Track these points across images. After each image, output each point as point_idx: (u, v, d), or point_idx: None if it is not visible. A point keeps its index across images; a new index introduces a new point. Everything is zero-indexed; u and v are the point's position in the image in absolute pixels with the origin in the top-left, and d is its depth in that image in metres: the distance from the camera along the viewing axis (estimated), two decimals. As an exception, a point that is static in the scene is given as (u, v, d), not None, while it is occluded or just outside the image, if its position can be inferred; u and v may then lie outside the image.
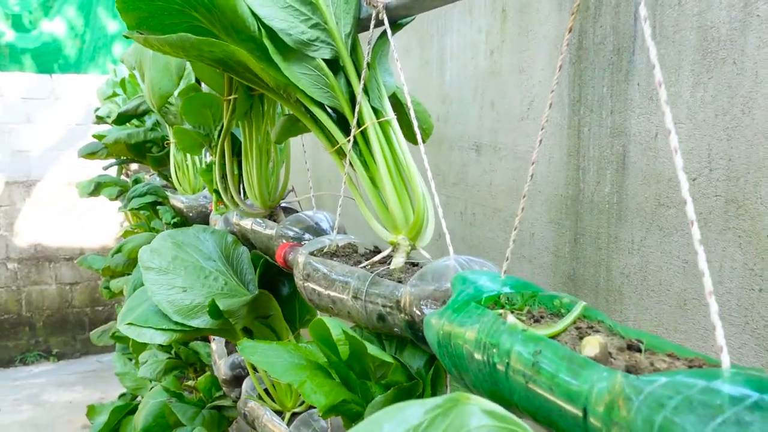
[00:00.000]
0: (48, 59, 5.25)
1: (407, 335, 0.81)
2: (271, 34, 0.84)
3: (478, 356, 0.55)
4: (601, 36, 1.23)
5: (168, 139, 1.92)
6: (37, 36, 5.24)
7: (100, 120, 2.88)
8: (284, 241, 1.06)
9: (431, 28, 1.82)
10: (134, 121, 2.96)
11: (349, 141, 0.92)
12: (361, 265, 0.91)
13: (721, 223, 1.01)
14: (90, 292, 5.45)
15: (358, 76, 0.86)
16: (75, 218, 5.40)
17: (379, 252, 0.97)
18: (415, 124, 0.84)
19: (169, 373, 1.72)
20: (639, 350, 0.53)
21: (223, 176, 1.46)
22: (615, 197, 1.21)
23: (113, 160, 2.64)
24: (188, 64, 1.29)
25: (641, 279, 1.17)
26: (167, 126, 1.86)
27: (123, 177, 3.62)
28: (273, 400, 1.23)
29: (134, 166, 3.18)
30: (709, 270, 0.54)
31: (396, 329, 0.82)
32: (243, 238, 1.29)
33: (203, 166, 1.89)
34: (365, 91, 0.88)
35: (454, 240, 1.76)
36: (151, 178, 2.47)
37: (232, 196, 1.28)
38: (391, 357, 0.79)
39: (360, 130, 0.88)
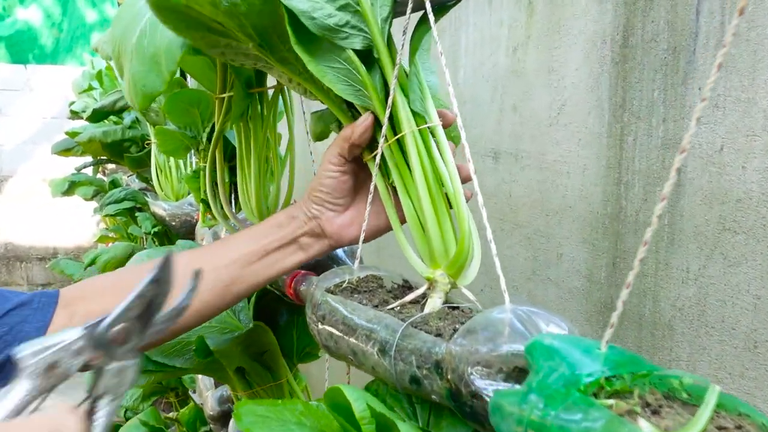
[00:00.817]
0: (23, 48, 5.00)
1: (448, 405, 0.64)
2: (294, 20, 0.67)
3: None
4: (652, 32, 1.07)
5: (149, 139, 1.74)
6: (11, 24, 4.99)
7: (74, 115, 2.67)
8: (289, 268, 0.89)
9: (443, 21, 1.65)
10: (112, 118, 2.76)
11: (376, 153, 0.75)
12: (390, 306, 0.74)
13: (807, 254, 0.86)
14: (64, 293, 5.21)
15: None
16: (49, 216, 5.16)
17: (410, 287, 0.80)
18: (463, 135, 0.67)
19: (147, 399, 1.54)
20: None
21: (214, 184, 1.28)
22: (666, 218, 1.06)
23: (90, 159, 2.44)
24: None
25: (698, 314, 1.01)
26: (148, 125, 1.67)
27: (99, 175, 3.41)
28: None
29: (111, 166, 2.99)
30: None
31: (434, 396, 0.66)
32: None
33: (188, 170, 1.71)
34: (403, 90, 0.71)
35: (466, 255, 1.60)
36: (129, 179, 2.28)
37: (222, 208, 1.11)
38: (429, 433, 0.63)
39: (396, 138, 0.72)
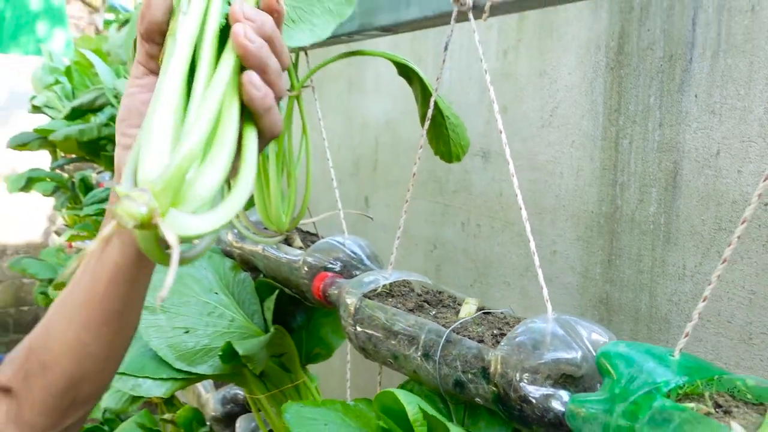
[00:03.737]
0: (-37, 37, 4.79)
1: (493, 408, 0.67)
2: None
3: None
4: (648, 41, 1.12)
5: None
6: (-49, 12, 4.76)
7: (36, 110, 2.59)
8: (314, 271, 0.90)
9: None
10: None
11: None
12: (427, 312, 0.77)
13: (801, 253, 0.93)
14: (14, 291, 5.04)
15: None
16: (-4, 212, 4.97)
17: (439, 292, 0.83)
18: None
19: (136, 401, 1.52)
20: None
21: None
22: (662, 218, 1.11)
23: (62, 159, 2.37)
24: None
25: (693, 308, 1.07)
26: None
27: (57, 171, 3.31)
28: (280, 446, 1.08)
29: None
30: None
31: (478, 399, 0.69)
32: (244, 262, 1.12)
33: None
34: None
35: (454, 252, 1.64)
36: (99, 176, 2.23)
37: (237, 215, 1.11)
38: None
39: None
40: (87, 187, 2.26)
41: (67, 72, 2.02)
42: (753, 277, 0.99)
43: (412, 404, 0.66)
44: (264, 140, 0.56)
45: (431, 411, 0.67)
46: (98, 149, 1.87)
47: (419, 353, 0.74)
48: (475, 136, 1.54)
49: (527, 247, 1.41)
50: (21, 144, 3.13)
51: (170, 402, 1.76)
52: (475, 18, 0.81)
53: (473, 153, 1.55)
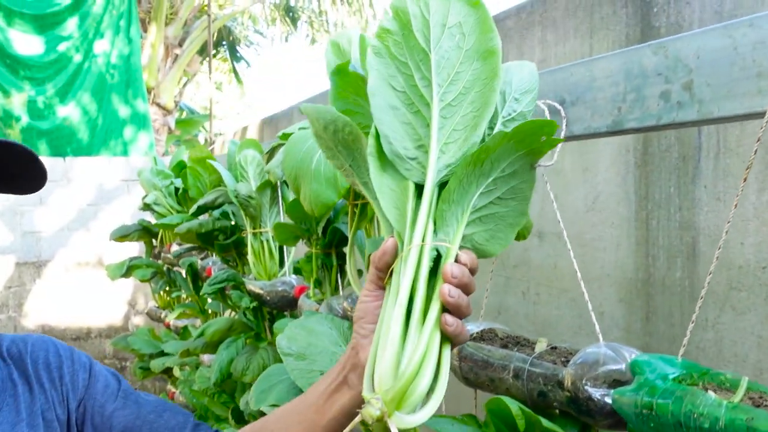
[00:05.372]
0: (62, 143, 5.42)
1: (567, 410, 0.97)
2: (377, 143, 0.86)
3: (685, 423, 0.72)
4: (666, 145, 1.45)
5: (244, 230, 2.09)
6: (52, 120, 5.42)
7: (146, 207, 3.04)
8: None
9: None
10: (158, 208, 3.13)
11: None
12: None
13: (792, 304, 1.22)
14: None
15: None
16: (81, 298, 5.45)
17: (516, 337, 1.15)
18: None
19: None
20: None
21: (324, 266, 1.64)
22: (687, 281, 1.41)
23: (185, 246, 2.79)
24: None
25: (716, 352, 1.36)
26: (244, 217, 2.03)
27: (151, 259, 3.75)
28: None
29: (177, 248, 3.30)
30: None
31: (555, 404, 0.99)
32: (357, 323, 1.46)
33: (272, 256, 2.06)
34: (435, 222, 0.85)
35: (517, 317, 1.94)
36: (203, 262, 2.62)
37: (336, 284, 1.46)
38: (560, 429, 0.96)
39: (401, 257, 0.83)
40: (194, 270, 2.65)
41: (183, 175, 2.45)
42: (760, 325, 1.27)
43: (513, 405, 0.96)
44: (454, 347, 0.83)
45: (527, 409, 0.97)
46: (212, 239, 2.26)
47: (510, 375, 1.05)
48: (532, 219, 1.88)
49: (580, 310, 1.71)
50: (122, 236, 3.59)
51: None
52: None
53: (531, 234, 1.88)
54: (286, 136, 1.42)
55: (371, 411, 0.74)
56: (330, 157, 1.00)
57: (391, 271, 0.85)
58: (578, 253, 1.71)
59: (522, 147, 0.84)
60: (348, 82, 0.90)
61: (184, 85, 9.59)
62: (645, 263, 1.51)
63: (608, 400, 0.90)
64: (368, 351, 0.84)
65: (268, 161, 1.53)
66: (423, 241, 0.83)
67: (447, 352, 0.82)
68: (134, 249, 5.13)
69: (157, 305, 3.81)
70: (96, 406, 1.00)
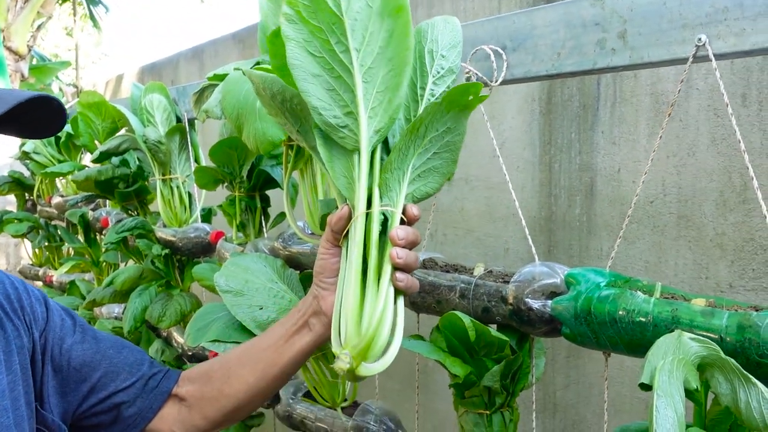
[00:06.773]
0: None
1: (508, 322, 1.10)
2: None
3: (620, 319, 0.87)
4: (568, 95, 1.62)
5: (147, 177, 2.04)
6: None
7: (25, 156, 2.84)
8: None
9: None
10: (46, 154, 2.95)
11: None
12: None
13: (675, 232, 1.42)
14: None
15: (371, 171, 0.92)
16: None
17: (454, 266, 1.26)
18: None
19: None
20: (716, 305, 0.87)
21: (248, 209, 1.67)
22: (585, 217, 1.60)
23: (71, 197, 2.63)
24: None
25: (610, 277, 1.55)
26: (154, 164, 1.99)
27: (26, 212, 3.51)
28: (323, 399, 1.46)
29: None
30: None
31: (498, 318, 1.12)
32: (288, 261, 1.51)
33: (181, 200, 2.04)
34: (380, 188, 0.94)
35: (425, 258, 2.07)
36: (96, 213, 2.51)
37: (260, 227, 1.50)
38: (505, 337, 1.08)
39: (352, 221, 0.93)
40: (86, 222, 2.54)
41: (73, 121, 2.32)
42: (647, 251, 1.48)
43: (466, 318, 1.07)
44: (405, 297, 0.95)
45: (477, 322, 1.08)
46: (112, 188, 2.18)
47: (457, 295, 1.16)
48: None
49: (485, 248, 1.87)
50: (-8, 188, 3.33)
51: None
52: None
53: (438, 179, 2.01)
54: (217, 77, 1.42)
55: (341, 365, 0.87)
56: (277, 120, 1.05)
57: (347, 232, 0.95)
58: (485, 196, 1.86)
59: (452, 107, 0.93)
60: (280, 44, 0.92)
61: (38, 28, 8.80)
62: (548, 202, 1.69)
63: (547, 309, 1.03)
64: (329, 301, 0.96)
65: (195, 103, 1.51)
66: (369, 208, 0.93)
67: (401, 303, 0.95)
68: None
69: (31, 262, 3.60)
70: (55, 339, 0.99)
